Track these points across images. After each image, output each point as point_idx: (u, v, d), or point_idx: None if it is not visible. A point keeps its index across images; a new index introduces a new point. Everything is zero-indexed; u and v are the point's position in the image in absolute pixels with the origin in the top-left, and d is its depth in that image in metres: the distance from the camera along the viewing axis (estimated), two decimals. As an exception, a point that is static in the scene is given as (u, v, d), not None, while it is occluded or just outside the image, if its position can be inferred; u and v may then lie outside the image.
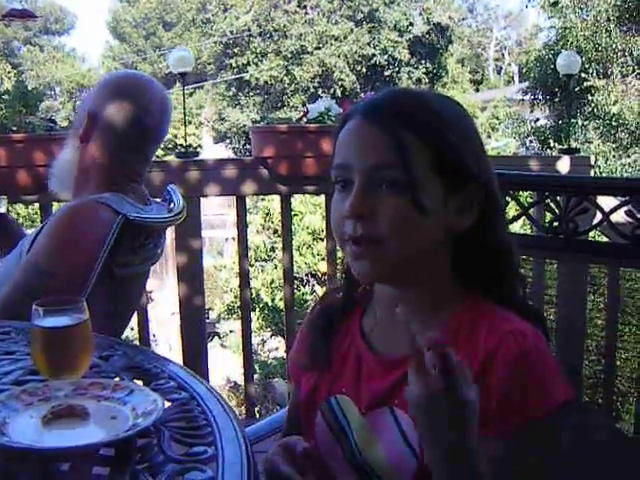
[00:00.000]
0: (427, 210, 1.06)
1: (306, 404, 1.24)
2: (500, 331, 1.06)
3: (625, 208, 1.45)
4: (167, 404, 1.10)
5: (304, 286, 7.52)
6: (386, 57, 24.74)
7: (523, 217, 1.67)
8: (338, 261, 3.40)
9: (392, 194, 1.06)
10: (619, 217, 1.50)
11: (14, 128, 3.06)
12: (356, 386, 1.17)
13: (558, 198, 1.52)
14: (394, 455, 1.11)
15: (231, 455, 0.96)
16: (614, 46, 14.11)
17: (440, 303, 1.14)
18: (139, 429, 0.98)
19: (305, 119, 3.27)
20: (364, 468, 1.14)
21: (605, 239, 2.09)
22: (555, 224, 1.51)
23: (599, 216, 1.52)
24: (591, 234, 1.59)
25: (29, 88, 3.27)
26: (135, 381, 1.24)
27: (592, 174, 4.50)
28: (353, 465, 1.16)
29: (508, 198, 1.60)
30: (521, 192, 1.72)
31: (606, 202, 1.52)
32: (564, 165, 3.55)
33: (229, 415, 1.09)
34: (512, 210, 1.74)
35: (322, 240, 7.18)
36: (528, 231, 3.50)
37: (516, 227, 3.09)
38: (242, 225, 3.31)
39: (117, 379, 1.24)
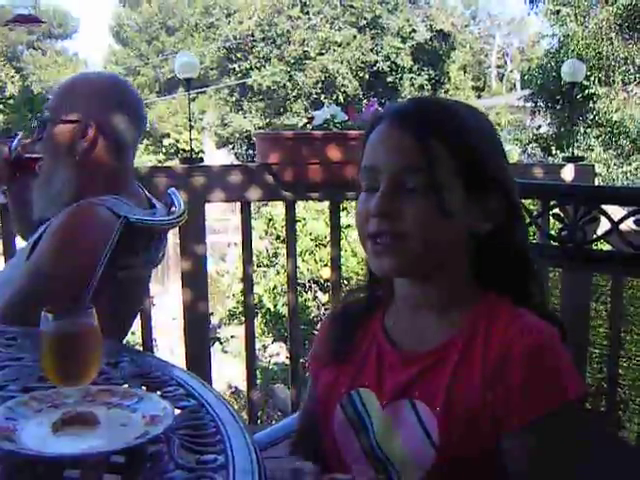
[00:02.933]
0: (450, 213, 1.10)
1: (324, 398, 1.26)
2: (516, 326, 1.09)
3: (633, 218, 1.45)
4: (176, 411, 1.10)
5: (306, 292, 7.49)
6: (389, 63, 24.77)
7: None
8: (342, 268, 3.40)
9: (417, 196, 1.10)
10: (625, 226, 1.50)
11: (19, 133, 3.06)
12: (378, 380, 1.19)
13: (567, 207, 1.51)
14: (413, 446, 1.13)
15: (242, 463, 0.96)
16: (616, 54, 14.14)
17: (458, 301, 1.17)
18: (150, 437, 0.98)
19: (310, 126, 3.27)
20: (381, 459, 1.16)
21: (608, 247, 2.09)
22: (564, 233, 1.51)
23: (603, 225, 1.52)
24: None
25: (34, 92, 3.29)
26: (143, 388, 1.24)
27: (595, 182, 4.50)
28: (370, 456, 1.18)
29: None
30: (523, 200, 1.71)
31: (611, 211, 1.52)
32: (568, 173, 3.55)
33: (238, 423, 1.09)
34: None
35: (325, 246, 7.17)
36: (531, 239, 3.50)
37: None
38: (247, 231, 3.30)
39: (126, 386, 1.24)
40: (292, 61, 25.08)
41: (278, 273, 7.90)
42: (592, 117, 14.23)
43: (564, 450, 1.08)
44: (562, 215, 1.53)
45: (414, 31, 25.40)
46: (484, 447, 1.09)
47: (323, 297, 7.45)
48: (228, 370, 8.88)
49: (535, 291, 1.19)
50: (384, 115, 1.17)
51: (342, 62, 24.55)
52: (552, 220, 1.65)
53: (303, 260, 7.30)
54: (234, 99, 27.06)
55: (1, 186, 2.12)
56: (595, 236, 1.54)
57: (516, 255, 1.16)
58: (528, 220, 1.64)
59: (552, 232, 1.60)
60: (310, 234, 7.43)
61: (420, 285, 1.18)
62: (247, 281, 3.38)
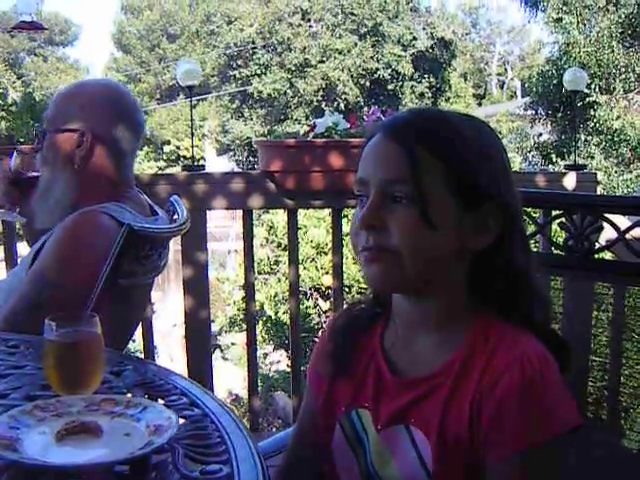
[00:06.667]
0: (436, 225, 1.06)
1: (324, 412, 1.24)
2: (507, 356, 1.06)
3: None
4: (180, 421, 1.09)
5: (307, 300, 7.49)
6: (389, 71, 24.80)
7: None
8: (344, 275, 3.39)
9: (402, 208, 1.07)
10: (629, 235, 1.50)
11: (21, 140, 3.06)
12: (376, 402, 1.17)
13: (573, 216, 1.51)
14: (407, 473, 1.11)
15: (247, 474, 0.95)
16: (617, 62, 14.16)
17: (456, 321, 1.13)
18: (154, 447, 0.97)
19: (312, 134, 3.27)
20: None
21: (609, 256, 2.09)
22: (570, 242, 1.50)
23: (606, 234, 1.52)
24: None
25: (37, 99, 3.30)
26: (146, 397, 1.23)
27: (597, 190, 4.48)
28: (367, 479, 1.16)
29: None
30: (527, 209, 1.71)
31: (616, 220, 1.52)
32: (570, 181, 3.53)
33: (243, 432, 1.08)
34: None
35: (326, 254, 7.17)
36: (533, 248, 3.50)
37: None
38: (249, 238, 3.30)
39: (129, 395, 1.23)
40: (293, 68, 25.11)
41: (279, 281, 7.90)
42: (593, 125, 14.23)
43: None
44: (568, 224, 1.52)
45: (415, 39, 25.45)
46: (479, 476, 1.06)
47: (324, 305, 7.45)
48: (228, 377, 8.88)
49: (537, 310, 1.14)
50: (378, 127, 1.15)
51: (343, 69, 24.59)
52: (554, 228, 1.65)
53: (304, 268, 7.30)
54: (235, 106, 27.10)
55: (15, 207, 2.10)
56: (600, 245, 1.53)
57: (513, 271, 1.12)
58: (533, 229, 1.64)
59: (556, 240, 1.59)
60: (311, 242, 7.43)
61: (416, 303, 1.15)
62: (248, 288, 3.37)
